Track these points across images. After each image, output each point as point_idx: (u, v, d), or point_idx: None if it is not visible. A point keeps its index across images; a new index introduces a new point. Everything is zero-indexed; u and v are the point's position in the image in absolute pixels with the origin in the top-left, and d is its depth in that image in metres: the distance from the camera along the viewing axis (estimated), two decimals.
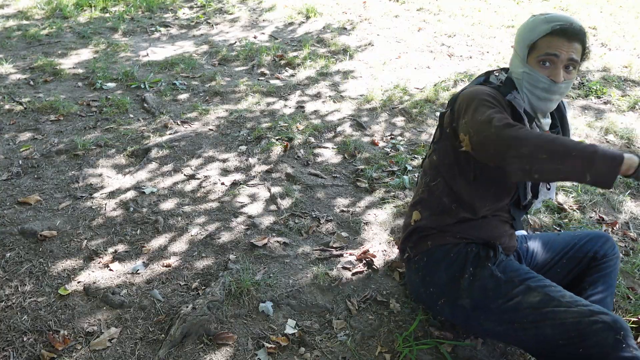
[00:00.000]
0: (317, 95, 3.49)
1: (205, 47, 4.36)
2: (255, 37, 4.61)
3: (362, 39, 4.54)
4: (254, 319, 1.70)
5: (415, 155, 2.71)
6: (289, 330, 1.66)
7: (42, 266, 1.92)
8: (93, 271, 1.90)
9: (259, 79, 3.74)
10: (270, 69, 3.93)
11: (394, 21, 5.04)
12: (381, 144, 2.88)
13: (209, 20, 5.00)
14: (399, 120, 3.17)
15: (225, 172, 2.57)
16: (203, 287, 1.81)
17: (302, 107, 3.32)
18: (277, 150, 2.76)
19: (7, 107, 3.13)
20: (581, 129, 3.16)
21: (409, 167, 2.60)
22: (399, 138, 2.95)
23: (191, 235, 2.10)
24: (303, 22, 4.99)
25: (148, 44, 4.40)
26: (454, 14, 5.41)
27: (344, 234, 2.13)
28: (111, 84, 3.55)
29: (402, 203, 2.31)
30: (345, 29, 4.82)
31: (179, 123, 3.04)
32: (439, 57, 4.22)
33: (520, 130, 1.18)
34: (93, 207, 2.26)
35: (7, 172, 2.49)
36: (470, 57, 4.31)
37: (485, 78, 1.55)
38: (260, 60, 4.01)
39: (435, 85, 3.62)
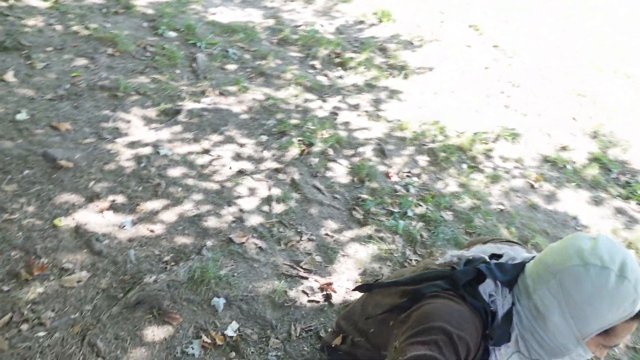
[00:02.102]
0: (355, 107, 3.55)
1: (271, 22, 4.45)
2: (322, 26, 4.65)
3: (425, 61, 4.51)
4: (204, 310, 1.86)
5: (421, 204, 2.76)
6: (230, 332, 1.82)
7: (49, 192, 2.13)
8: (89, 212, 2.10)
9: (307, 71, 3.82)
10: (322, 64, 4.00)
11: (464, 51, 4.96)
12: (395, 178, 2.94)
13: None
14: (423, 159, 3.20)
15: (237, 157, 2.71)
16: (172, 263, 1.99)
17: (336, 114, 3.39)
18: (294, 151, 2.87)
19: (75, 28, 3.35)
20: (603, 232, 3.09)
21: (410, 214, 2.65)
22: (415, 179, 2.99)
23: (183, 209, 2.27)
24: (373, 25, 4.98)
25: (220, 2, 4.52)
26: (527, 62, 5.27)
27: (318, 258, 2.24)
28: (172, 34, 3.71)
29: (386, 248, 2.39)
30: (412, 44, 4.79)
31: (217, 93, 3.18)
32: (493, 104, 4.16)
33: None
34: (111, 151, 2.46)
35: (53, 93, 2.71)
36: (525, 115, 4.22)
37: (470, 275, 1.15)
38: (317, 52, 4.08)
39: (475, 134, 3.61)
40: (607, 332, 1.03)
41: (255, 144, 2.85)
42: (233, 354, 1.75)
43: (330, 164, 2.88)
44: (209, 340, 1.76)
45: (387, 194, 2.76)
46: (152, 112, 2.84)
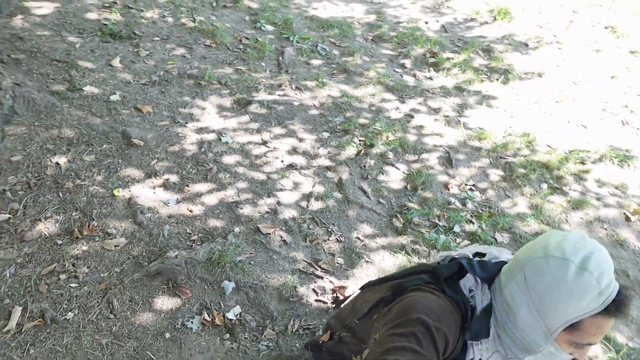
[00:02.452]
0: (436, 110, 3.36)
1: (372, 18, 4.40)
2: (426, 23, 4.46)
3: (535, 65, 4.06)
4: (213, 290, 1.99)
5: (474, 221, 2.54)
6: (231, 314, 1.92)
7: (117, 166, 2.46)
8: (143, 187, 2.38)
9: (394, 70, 3.72)
10: (413, 63, 3.85)
11: (590, 55, 4.33)
12: (454, 190, 2.74)
13: None
14: (495, 173, 2.92)
15: (293, 151, 2.79)
16: (198, 243, 2.16)
17: (411, 116, 3.26)
18: (351, 151, 2.85)
19: (184, 20, 3.74)
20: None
21: (457, 229, 2.47)
22: (477, 193, 2.75)
23: (225, 195, 2.43)
24: (486, 23, 4.61)
25: None
26: None
27: (340, 260, 2.23)
28: (269, 27, 3.92)
29: (417, 261, 2.27)
30: (526, 45, 4.33)
31: (293, 87, 3.29)
32: (607, 119, 3.58)
33: None
34: (179, 135, 2.73)
35: (147, 78, 3.09)
36: None
37: (453, 269, 1.19)
38: (411, 50, 3.94)
39: (571, 151, 3.17)
40: (574, 327, 1.02)
41: (314, 140, 2.90)
42: (227, 335, 1.85)
43: (387, 168, 2.80)
44: (209, 319, 1.89)
45: (439, 205, 2.60)
46: (227, 102, 3.06)
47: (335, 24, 4.10)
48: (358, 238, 2.35)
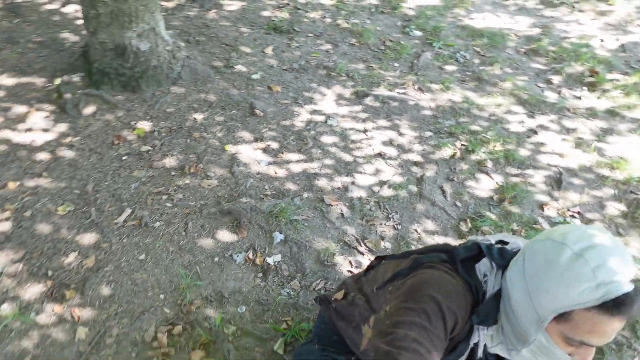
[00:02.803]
0: (568, 131, 3.01)
1: (534, 31, 4.10)
2: (602, 41, 3.94)
3: None
4: (264, 237, 2.28)
5: None
6: (270, 260, 2.19)
7: (236, 128, 2.96)
8: (248, 147, 2.82)
9: (536, 85, 3.44)
10: (564, 80, 3.48)
11: None
12: (549, 212, 2.46)
13: (575, 3, 4.46)
14: (615, 207, 2.50)
15: (388, 142, 2.90)
16: (268, 197, 2.48)
17: (535, 132, 3.00)
18: (446, 152, 2.81)
19: (339, 21, 4.15)
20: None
21: None
22: (578, 221, 2.42)
23: (309, 166, 2.70)
24: None
25: (491, 8, 4.47)
26: None
27: (387, 245, 2.27)
28: (418, 33, 4.04)
29: None
30: None
31: (415, 87, 3.37)
32: None
33: None
34: (294, 112, 3.11)
35: (288, 65, 3.58)
36: None
37: (472, 252, 1.16)
38: (565, 67, 3.56)
39: None
40: (565, 318, 0.94)
41: (414, 137, 2.95)
42: (260, 274, 2.12)
43: (479, 175, 2.68)
44: (251, 258, 2.19)
45: (522, 222, 2.39)
46: (347, 92, 3.32)
47: (486, 34, 3.98)
48: (416, 230, 2.35)
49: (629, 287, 0.89)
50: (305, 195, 2.51)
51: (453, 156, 2.79)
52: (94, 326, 1.90)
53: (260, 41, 3.81)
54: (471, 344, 1.12)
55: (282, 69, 3.52)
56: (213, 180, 2.58)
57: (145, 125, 2.90)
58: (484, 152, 2.81)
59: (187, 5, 4.23)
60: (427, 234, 2.34)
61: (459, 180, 2.65)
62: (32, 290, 2.01)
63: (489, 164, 2.75)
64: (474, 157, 2.79)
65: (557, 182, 2.65)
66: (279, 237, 2.28)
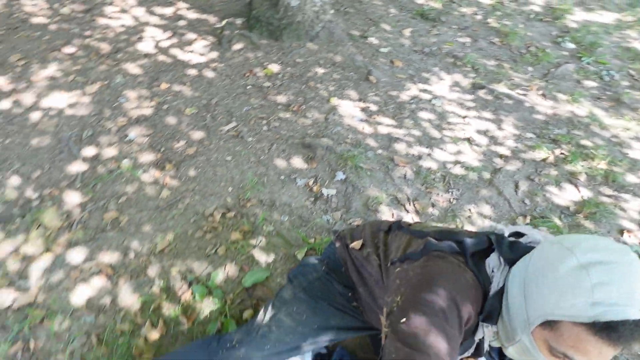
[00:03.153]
0: None
1: None
2: None
3: None
4: (329, 172, 2.53)
5: None
6: (325, 191, 2.43)
7: (346, 86, 3.24)
8: (350, 103, 3.08)
9: None
10: None
11: None
12: (628, 239, 2.22)
13: None
14: None
15: (482, 131, 2.87)
16: (347, 144, 2.71)
17: None
18: (539, 155, 2.68)
19: (490, 20, 4.11)
20: None
21: None
22: None
23: (395, 131, 2.85)
24: None
25: None
26: None
27: (434, 211, 2.33)
28: (571, 45, 3.80)
29: None
30: None
31: (539, 92, 3.22)
32: None
33: None
34: (404, 87, 3.26)
35: (419, 48, 3.72)
36: None
37: (482, 245, 1.12)
38: None
39: None
40: (552, 327, 0.90)
41: (512, 134, 2.87)
42: (312, 199, 2.39)
43: (565, 185, 2.53)
44: (311, 185, 2.46)
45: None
46: (465, 81, 3.35)
47: None
48: (470, 210, 2.36)
49: (634, 315, 0.80)
50: (379, 151, 2.69)
51: (544, 160, 2.67)
52: (174, 193, 2.39)
53: (402, 23, 4.02)
54: (476, 340, 1.11)
55: (412, 50, 3.68)
56: (308, 120, 2.91)
57: (274, 68, 3.37)
58: (582, 166, 2.62)
59: None
60: (480, 216, 2.33)
61: (540, 182, 2.54)
62: (146, 157, 2.60)
63: (583, 177, 2.56)
64: (568, 167, 2.62)
65: None
66: (340, 176, 2.51)
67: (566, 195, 2.47)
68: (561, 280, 0.88)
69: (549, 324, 0.90)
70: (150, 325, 1.84)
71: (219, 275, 2.02)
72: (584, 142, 2.82)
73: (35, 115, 2.85)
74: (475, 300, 1.03)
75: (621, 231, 2.28)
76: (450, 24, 4.04)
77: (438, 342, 0.94)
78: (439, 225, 1.39)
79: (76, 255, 2.09)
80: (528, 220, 2.29)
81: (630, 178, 2.58)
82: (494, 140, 2.83)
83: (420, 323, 0.95)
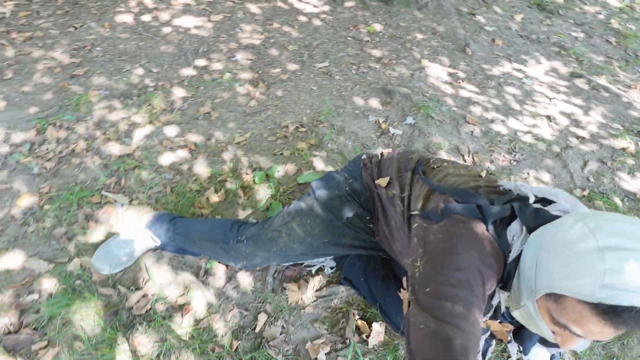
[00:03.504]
0: None
1: None
2: None
3: None
4: (400, 115, 2.70)
5: None
6: (392, 129, 2.60)
7: (441, 53, 3.35)
8: (438, 68, 3.19)
9: None
10: None
11: None
12: None
13: None
14: None
15: (566, 114, 2.82)
16: (423, 97, 2.84)
17: None
18: (621, 143, 2.59)
19: (613, 21, 3.92)
20: None
21: None
22: None
23: (475, 97, 2.91)
24: None
25: None
26: None
27: (490, 167, 2.38)
28: None
29: None
30: None
31: None
32: None
33: None
34: (499, 62, 3.29)
35: (526, 34, 3.68)
36: None
37: (504, 213, 1.08)
38: None
39: None
40: (557, 299, 0.90)
41: (598, 122, 2.79)
42: (378, 134, 2.57)
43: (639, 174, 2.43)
44: (380, 122, 2.65)
45: None
46: (564, 69, 3.28)
47: None
48: (528, 174, 2.38)
49: (635, 304, 0.80)
50: (454, 108, 2.78)
51: (624, 149, 2.57)
52: (260, 105, 2.72)
53: (516, 8, 3.99)
54: (494, 305, 1.11)
55: (518, 34, 3.67)
56: (395, 72, 3.09)
57: (377, 27, 3.58)
58: None
59: None
60: (537, 181, 2.34)
61: (612, 166, 2.46)
62: (245, 75, 2.96)
63: None
64: None
65: None
66: (410, 120, 2.66)
67: (637, 183, 2.38)
68: (575, 259, 0.86)
69: (554, 296, 0.90)
70: (214, 190, 2.17)
71: (279, 170, 2.30)
72: None
73: (166, 29, 3.37)
74: (498, 269, 1.02)
75: None
76: (567, 18, 3.93)
77: (465, 314, 0.93)
78: (460, 172, 1.28)
79: (171, 131, 2.50)
80: (586, 194, 2.26)
81: None
82: (576, 123, 2.78)
83: (446, 294, 0.94)
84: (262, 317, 1.72)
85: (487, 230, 1.04)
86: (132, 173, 2.23)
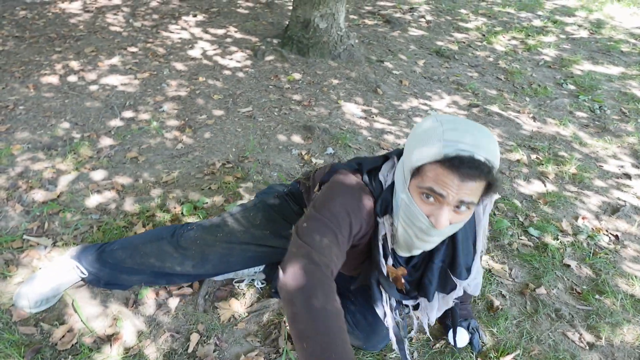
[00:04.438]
0: None
1: None
2: None
3: None
4: (321, 147, 2.91)
5: (558, 244, 2.21)
6: (314, 159, 2.79)
7: (355, 94, 3.67)
8: (353, 106, 3.49)
9: None
10: None
11: None
12: (581, 223, 2.39)
13: None
14: None
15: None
16: (341, 130, 3.08)
17: (628, 177, 2.82)
18: (515, 156, 2.92)
19: (500, 62, 4.51)
20: None
21: (532, 233, 2.26)
22: (606, 239, 2.28)
23: (389, 128, 3.20)
24: None
25: None
26: None
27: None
28: (571, 87, 4.09)
29: None
30: None
31: (530, 115, 3.52)
32: None
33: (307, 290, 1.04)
34: (407, 99, 3.65)
35: (429, 75, 4.14)
36: None
37: (378, 162, 1.33)
38: None
39: None
40: (419, 172, 1.10)
41: (503, 145, 3.14)
42: (301, 164, 2.75)
43: (534, 180, 2.76)
44: (303, 154, 2.83)
45: (542, 217, 2.40)
46: (463, 102, 3.69)
47: None
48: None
49: (469, 153, 1.02)
50: (369, 138, 3.04)
51: (519, 160, 2.91)
52: (187, 147, 2.84)
53: (418, 56, 4.49)
54: (380, 238, 1.27)
55: (422, 76, 4.11)
56: (314, 112, 3.34)
57: (296, 75, 3.88)
58: (550, 168, 2.84)
59: (381, 24, 5.22)
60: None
61: (510, 175, 2.77)
62: (172, 123, 3.09)
63: (551, 176, 2.77)
64: (540, 168, 2.85)
65: (613, 209, 2.52)
66: (330, 150, 2.87)
67: (532, 188, 2.69)
68: (422, 134, 1.09)
69: (416, 172, 1.11)
70: (142, 225, 2.21)
71: (207, 202, 2.38)
72: (562, 153, 3.04)
73: (93, 87, 3.47)
74: (368, 213, 1.23)
75: (576, 217, 2.45)
76: (462, 62, 4.46)
77: (329, 245, 1.12)
78: None
79: (97, 175, 2.54)
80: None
81: (598, 182, 2.76)
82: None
83: (316, 224, 1.14)
84: (195, 337, 1.74)
85: (363, 180, 1.26)
86: (56, 217, 2.23)
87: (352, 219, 1.18)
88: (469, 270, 1.37)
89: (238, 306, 1.87)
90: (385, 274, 1.31)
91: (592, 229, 2.37)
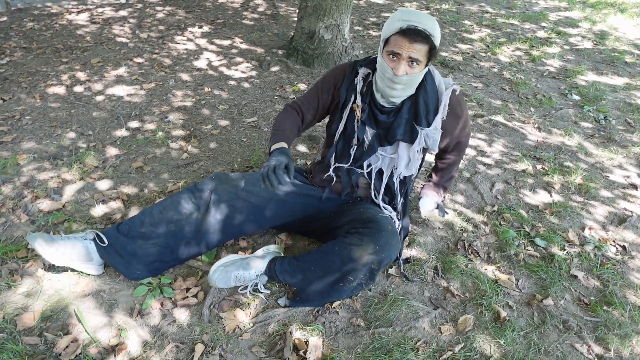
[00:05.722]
0: None
1: None
2: None
3: None
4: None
5: (557, 255, 2.18)
6: None
7: None
8: None
9: None
10: None
11: None
12: (588, 234, 2.37)
13: None
14: None
15: (473, 147, 3.17)
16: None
17: (635, 188, 2.80)
18: (520, 166, 2.91)
19: (505, 72, 4.52)
20: None
21: (538, 242, 2.24)
22: (614, 249, 2.25)
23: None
24: None
25: None
26: None
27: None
28: (575, 97, 4.08)
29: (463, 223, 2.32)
30: None
31: (535, 125, 3.51)
32: None
33: (281, 116, 1.92)
34: None
35: None
36: None
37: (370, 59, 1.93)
38: None
39: None
40: (387, 42, 1.66)
41: (499, 151, 3.14)
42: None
43: (540, 190, 2.75)
44: (307, 164, 2.84)
45: (549, 228, 2.39)
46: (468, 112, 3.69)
47: None
48: (444, 197, 2.62)
49: (414, 25, 1.59)
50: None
51: (524, 170, 2.90)
52: (193, 157, 2.85)
53: None
54: (357, 84, 1.84)
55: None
56: (318, 123, 3.34)
57: (301, 86, 3.90)
58: (556, 178, 2.83)
59: None
60: (452, 202, 2.58)
61: (516, 185, 2.76)
62: (177, 133, 3.10)
63: (557, 186, 2.76)
64: (546, 178, 2.84)
65: (620, 220, 2.50)
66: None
67: (538, 198, 2.67)
68: (389, 19, 1.66)
69: (386, 42, 1.67)
70: None
71: None
72: (567, 163, 3.03)
73: (99, 98, 3.49)
74: (346, 67, 1.90)
75: (583, 228, 2.43)
76: (467, 72, 4.47)
77: (312, 91, 1.97)
78: None
79: (102, 185, 2.54)
80: (495, 209, 2.52)
81: (603, 192, 2.75)
82: (482, 153, 3.11)
83: (308, 91, 2.00)
84: (199, 348, 1.73)
85: (353, 68, 1.89)
86: (61, 226, 2.23)
87: (334, 81, 1.92)
88: (430, 125, 1.84)
89: (243, 316, 1.86)
90: (357, 104, 1.86)
91: (599, 239, 2.35)
